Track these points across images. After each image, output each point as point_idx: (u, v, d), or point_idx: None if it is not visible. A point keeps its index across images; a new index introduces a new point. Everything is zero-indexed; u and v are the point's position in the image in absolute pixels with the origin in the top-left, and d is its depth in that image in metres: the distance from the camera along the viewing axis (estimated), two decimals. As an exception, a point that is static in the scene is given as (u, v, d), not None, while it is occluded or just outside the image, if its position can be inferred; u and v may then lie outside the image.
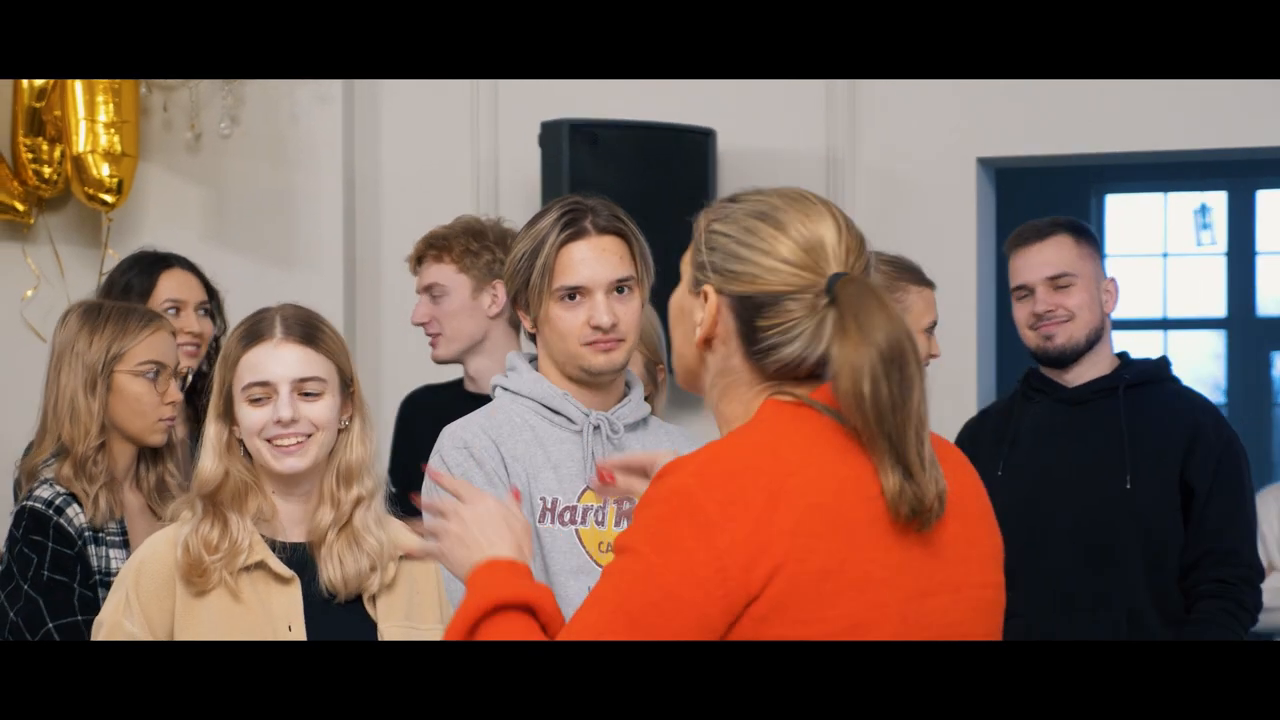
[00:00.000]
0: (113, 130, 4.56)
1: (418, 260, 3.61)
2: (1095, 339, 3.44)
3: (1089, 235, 3.50)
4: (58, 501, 2.83)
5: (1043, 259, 3.44)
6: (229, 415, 2.46)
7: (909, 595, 1.72)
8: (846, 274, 1.77)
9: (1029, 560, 3.29)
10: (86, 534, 2.84)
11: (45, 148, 4.71)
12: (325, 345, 2.48)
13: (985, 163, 4.69)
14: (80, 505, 2.84)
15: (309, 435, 2.44)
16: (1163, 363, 3.52)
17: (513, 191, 4.79)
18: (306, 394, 2.45)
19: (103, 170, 4.57)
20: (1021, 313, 3.47)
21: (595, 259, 2.68)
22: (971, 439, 3.49)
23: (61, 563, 2.78)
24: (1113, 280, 3.50)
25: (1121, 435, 3.37)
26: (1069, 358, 3.43)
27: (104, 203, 4.60)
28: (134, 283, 3.47)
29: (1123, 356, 3.50)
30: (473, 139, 4.84)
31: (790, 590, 1.66)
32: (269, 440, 2.43)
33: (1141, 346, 10.59)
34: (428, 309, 3.57)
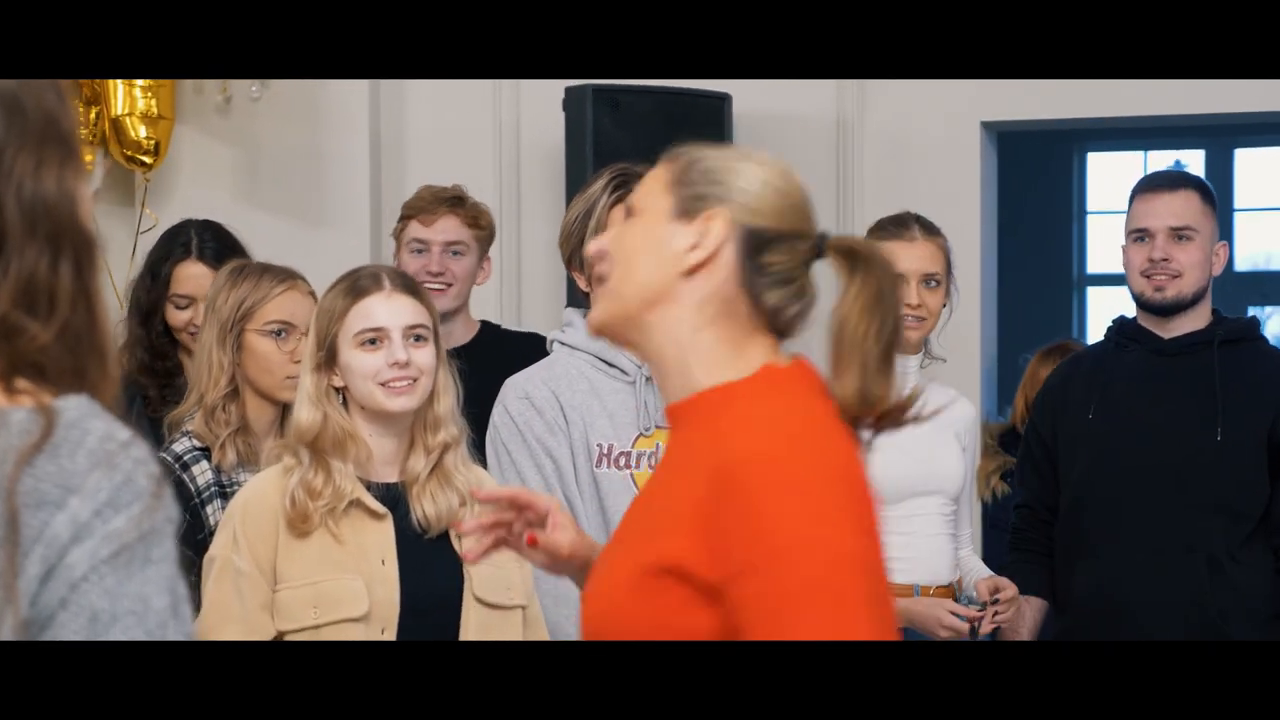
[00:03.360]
0: (149, 93, 4.71)
1: None
2: (1200, 296, 3.49)
3: (1213, 198, 3.56)
4: (186, 457, 2.96)
5: (1170, 209, 3.47)
6: (328, 365, 2.62)
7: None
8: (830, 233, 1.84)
9: (1119, 503, 3.44)
10: (211, 489, 2.95)
11: (82, 110, 4.86)
12: (425, 298, 2.67)
13: (989, 126, 4.88)
14: (209, 460, 2.97)
15: (417, 378, 2.60)
16: (1253, 322, 3.59)
17: (533, 153, 4.95)
18: (416, 339, 2.62)
19: (140, 132, 4.72)
20: (1137, 256, 3.50)
21: None
22: (1065, 381, 3.60)
23: None
24: (1224, 244, 3.55)
25: (1214, 389, 3.43)
26: (1172, 310, 3.49)
27: (142, 163, 4.75)
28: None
29: (1216, 313, 3.55)
30: (495, 102, 4.99)
31: None
32: (382, 383, 2.58)
33: (1122, 302, 10.79)
34: None
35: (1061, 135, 9.66)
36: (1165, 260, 3.46)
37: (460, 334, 3.76)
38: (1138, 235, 3.52)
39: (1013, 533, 3.68)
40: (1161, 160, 10.55)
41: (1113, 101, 4.77)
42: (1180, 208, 3.48)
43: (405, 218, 3.86)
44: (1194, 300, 3.49)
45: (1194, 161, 10.52)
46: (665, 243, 1.79)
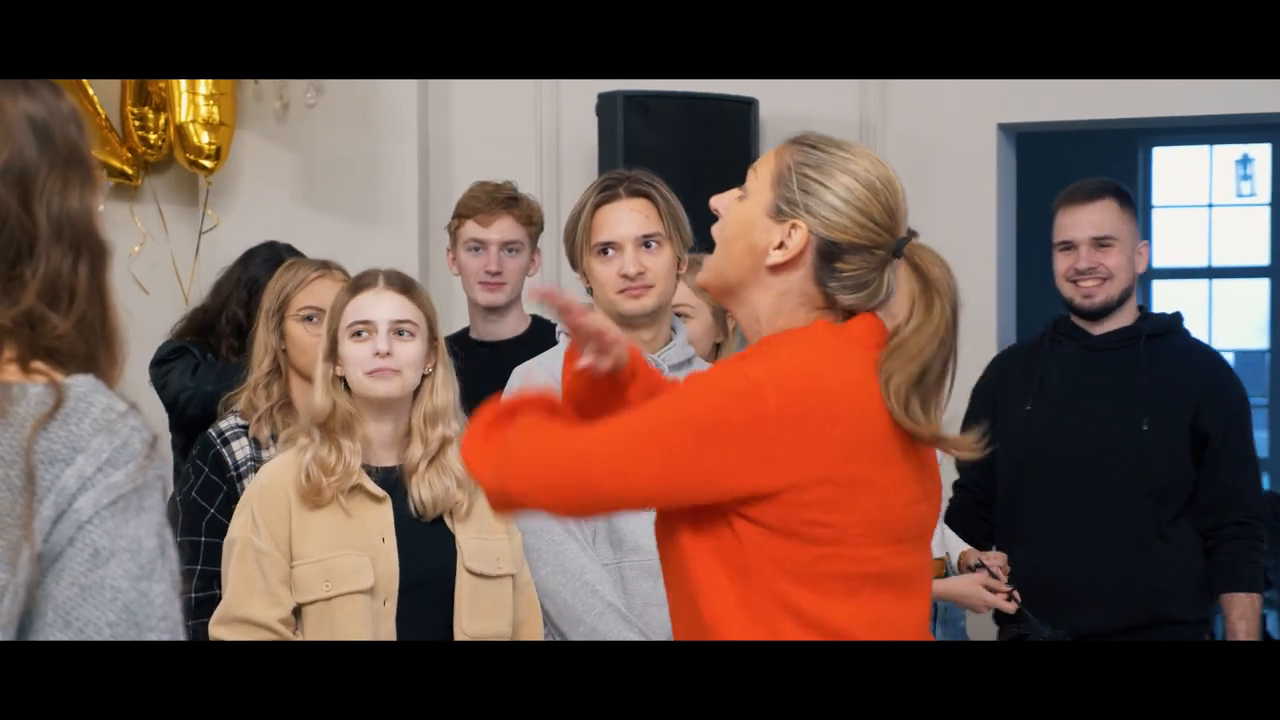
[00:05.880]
0: (211, 101, 4.97)
1: None
2: (1126, 296, 3.76)
3: (1131, 200, 3.80)
4: (228, 433, 3.24)
5: (1090, 219, 3.73)
6: (333, 355, 2.88)
7: (908, 501, 2.07)
8: (910, 238, 2.09)
9: (1052, 489, 3.69)
10: (249, 464, 3.21)
11: (151, 116, 5.15)
12: (419, 297, 2.92)
13: (1005, 128, 5.06)
14: (248, 436, 3.23)
15: (399, 369, 2.84)
16: (1176, 317, 3.82)
17: (572, 155, 5.17)
18: (400, 334, 2.86)
19: (203, 138, 4.98)
20: (1063, 265, 3.76)
21: (624, 218, 3.11)
22: (1001, 375, 3.84)
23: (209, 489, 3.19)
24: (1145, 243, 3.80)
25: (1141, 382, 3.68)
26: (1102, 314, 3.75)
27: (204, 168, 5.01)
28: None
29: (1142, 309, 3.81)
30: (536, 107, 5.22)
31: (833, 491, 1.98)
32: (367, 371, 2.83)
33: (1186, 295, 10.87)
34: None
35: (1126, 132, 9.75)
36: (1091, 269, 3.72)
37: (513, 327, 3.92)
38: (1063, 245, 3.77)
39: (948, 510, 3.89)
40: (1227, 155, 10.60)
41: (1149, 103, 4.88)
42: (1099, 217, 3.74)
43: (461, 216, 3.90)
44: (1121, 301, 3.75)
45: (1261, 156, 10.57)
46: (758, 236, 2.08)
